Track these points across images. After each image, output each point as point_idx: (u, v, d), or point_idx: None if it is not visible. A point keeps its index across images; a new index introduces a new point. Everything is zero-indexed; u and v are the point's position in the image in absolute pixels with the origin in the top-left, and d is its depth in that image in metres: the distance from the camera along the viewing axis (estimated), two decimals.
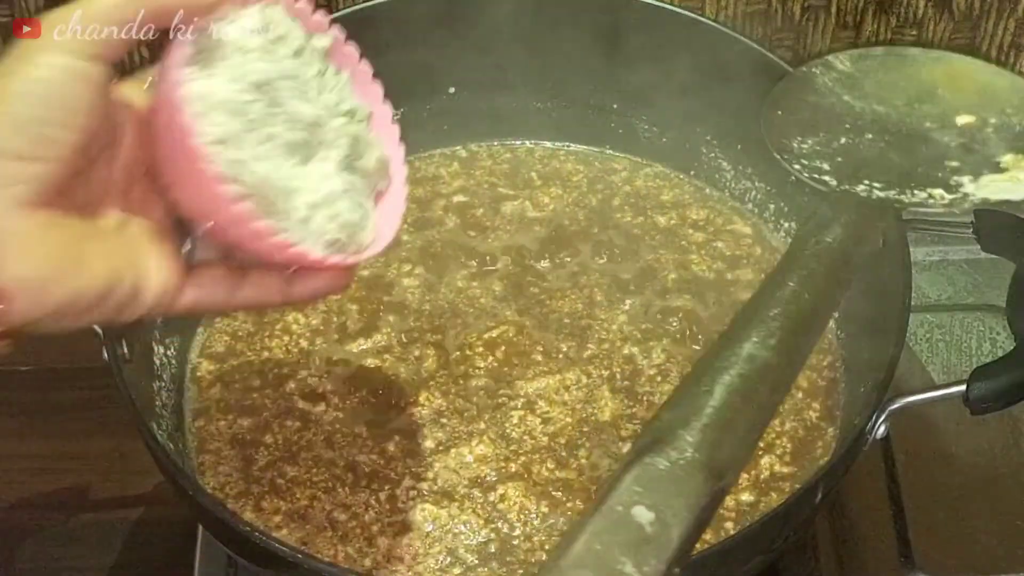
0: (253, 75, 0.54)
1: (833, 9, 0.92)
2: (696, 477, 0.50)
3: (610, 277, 0.83)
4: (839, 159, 0.60)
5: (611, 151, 0.92)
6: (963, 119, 0.63)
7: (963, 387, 0.67)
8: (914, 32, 0.93)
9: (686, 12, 0.85)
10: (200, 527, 0.78)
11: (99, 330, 0.70)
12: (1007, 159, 0.60)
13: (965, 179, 0.60)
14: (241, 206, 0.52)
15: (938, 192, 0.59)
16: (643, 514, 0.48)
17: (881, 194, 0.59)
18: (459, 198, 0.88)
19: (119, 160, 0.54)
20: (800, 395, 0.77)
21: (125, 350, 0.71)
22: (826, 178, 0.60)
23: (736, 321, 0.56)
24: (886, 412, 0.67)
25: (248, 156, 0.53)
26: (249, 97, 0.53)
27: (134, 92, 0.54)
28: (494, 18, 0.85)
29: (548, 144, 0.92)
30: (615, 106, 0.90)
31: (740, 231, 0.87)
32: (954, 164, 0.61)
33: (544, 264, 0.84)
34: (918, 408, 0.68)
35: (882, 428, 0.68)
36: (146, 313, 0.53)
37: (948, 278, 0.92)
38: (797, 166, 0.61)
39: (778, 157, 0.61)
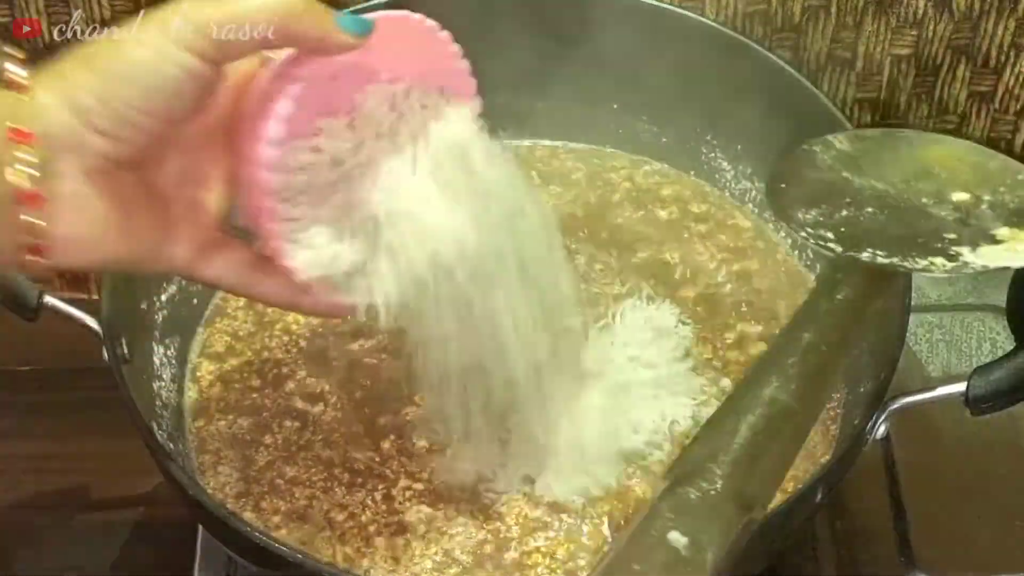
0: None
1: (833, 9, 0.92)
2: (727, 506, 0.53)
3: (614, 271, 0.83)
4: (842, 229, 0.64)
5: (612, 150, 0.91)
6: (958, 196, 0.66)
7: (963, 387, 0.67)
8: (914, 32, 0.93)
9: (686, 12, 0.85)
10: (200, 527, 0.78)
11: (99, 330, 0.70)
12: (1002, 232, 0.63)
13: (964, 250, 0.63)
14: (270, 202, 0.55)
15: (939, 260, 0.62)
16: (678, 539, 0.51)
17: (884, 261, 0.62)
18: None
19: (206, 121, 0.55)
20: None
21: (125, 350, 0.71)
22: (831, 245, 0.63)
23: (755, 368, 0.59)
24: (886, 412, 0.67)
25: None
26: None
27: (244, 62, 0.55)
28: (496, 19, 0.85)
29: (548, 143, 0.92)
30: (615, 106, 0.90)
31: (741, 225, 0.87)
32: (952, 236, 0.64)
33: None
34: (918, 408, 0.68)
35: (882, 428, 0.68)
36: (169, 274, 0.59)
37: (948, 278, 0.92)
38: (803, 233, 0.65)
39: (784, 224, 0.64)
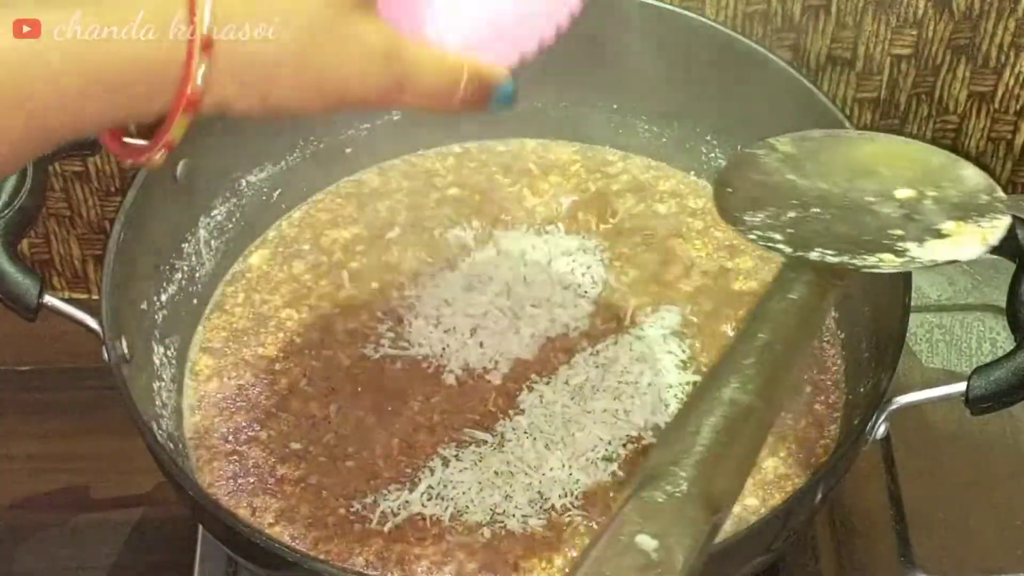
0: None
1: (833, 9, 0.92)
2: (693, 508, 0.52)
3: (615, 264, 0.83)
4: (790, 230, 0.64)
5: (611, 150, 0.91)
6: (902, 193, 0.66)
7: (963, 387, 0.67)
8: (914, 32, 0.93)
9: (686, 12, 0.85)
10: (200, 527, 0.78)
11: (99, 330, 0.70)
12: (948, 227, 0.64)
13: (911, 245, 0.63)
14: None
15: (887, 256, 0.63)
16: (647, 542, 0.50)
17: (834, 260, 0.62)
18: (453, 191, 0.88)
19: None
20: (804, 393, 0.77)
21: (125, 350, 0.71)
22: (780, 247, 0.64)
23: (713, 370, 0.59)
24: (886, 412, 0.68)
25: None
26: None
27: None
28: None
29: (546, 142, 0.92)
30: (615, 106, 0.90)
31: None
32: (898, 232, 0.64)
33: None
34: (918, 408, 0.68)
35: (882, 428, 0.68)
36: None
37: (948, 278, 0.92)
38: (752, 236, 0.65)
39: (733, 228, 0.65)
